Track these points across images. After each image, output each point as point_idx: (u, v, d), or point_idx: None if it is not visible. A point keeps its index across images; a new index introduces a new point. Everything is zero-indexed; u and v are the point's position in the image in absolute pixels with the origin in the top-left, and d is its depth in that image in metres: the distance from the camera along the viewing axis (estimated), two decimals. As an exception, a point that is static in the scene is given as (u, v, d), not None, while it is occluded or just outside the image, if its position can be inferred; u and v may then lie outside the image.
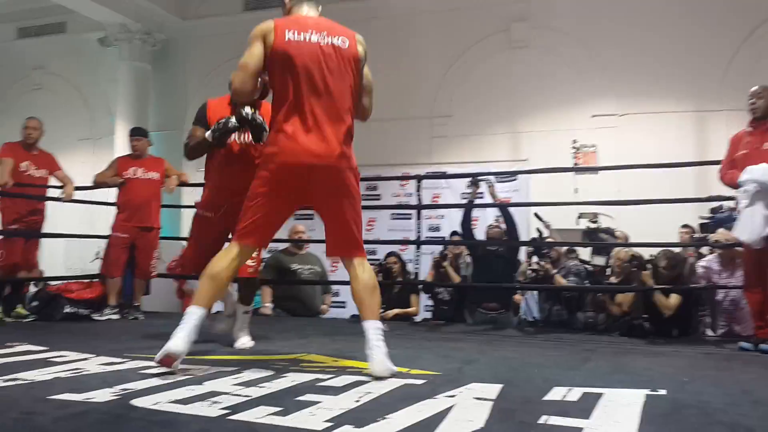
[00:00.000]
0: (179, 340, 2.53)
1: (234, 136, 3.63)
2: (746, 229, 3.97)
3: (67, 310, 5.18)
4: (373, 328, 2.67)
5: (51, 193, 5.77)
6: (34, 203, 5.56)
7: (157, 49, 10.51)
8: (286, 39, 2.71)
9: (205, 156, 3.81)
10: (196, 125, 3.79)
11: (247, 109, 3.38)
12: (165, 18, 10.19)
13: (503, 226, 5.75)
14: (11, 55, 11.68)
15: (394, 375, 2.58)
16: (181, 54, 10.64)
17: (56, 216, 6.29)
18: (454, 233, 6.25)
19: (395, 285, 5.94)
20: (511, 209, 5.78)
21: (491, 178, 5.74)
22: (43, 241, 6.18)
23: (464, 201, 7.73)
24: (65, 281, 5.76)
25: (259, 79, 2.86)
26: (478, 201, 5.79)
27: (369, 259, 2.91)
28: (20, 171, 5.39)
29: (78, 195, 5.71)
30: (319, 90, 2.71)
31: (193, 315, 2.62)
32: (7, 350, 3.18)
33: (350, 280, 2.81)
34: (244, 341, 3.74)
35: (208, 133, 3.59)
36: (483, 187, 5.66)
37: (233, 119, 3.45)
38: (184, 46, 10.65)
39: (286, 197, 2.80)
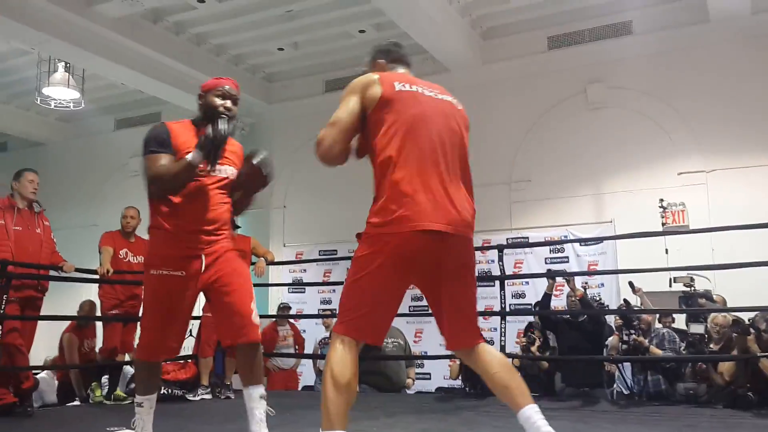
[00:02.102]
0: None
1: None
2: None
3: (163, 391, 5.37)
4: (536, 411, 2.15)
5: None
6: (132, 288, 5.81)
7: (245, 132, 11.00)
8: (396, 89, 2.31)
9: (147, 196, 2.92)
10: (157, 153, 2.81)
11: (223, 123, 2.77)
12: (252, 103, 10.70)
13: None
14: (110, 145, 12.41)
15: None
16: (268, 136, 11.04)
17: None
18: (537, 305, 6.14)
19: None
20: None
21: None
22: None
23: (548, 268, 7.60)
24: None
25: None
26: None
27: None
28: (119, 258, 5.69)
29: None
30: (439, 147, 2.29)
31: None
32: (108, 437, 3.33)
33: (481, 367, 2.28)
34: None
35: (192, 154, 2.75)
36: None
37: (223, 124, 2.78)
38: (269, 128, 11.09)
39: (404, 275, 2.25)
